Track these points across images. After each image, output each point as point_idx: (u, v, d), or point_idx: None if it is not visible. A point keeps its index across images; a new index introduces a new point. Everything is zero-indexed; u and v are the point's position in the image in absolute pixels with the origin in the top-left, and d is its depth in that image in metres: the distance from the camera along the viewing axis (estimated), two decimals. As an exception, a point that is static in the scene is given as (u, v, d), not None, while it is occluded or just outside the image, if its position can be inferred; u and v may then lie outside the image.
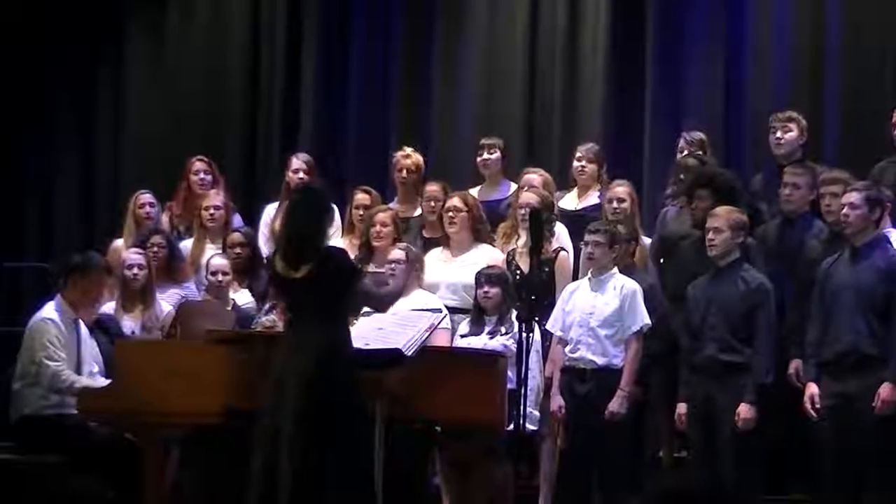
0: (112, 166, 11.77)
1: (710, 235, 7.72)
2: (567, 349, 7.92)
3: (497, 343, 7.78)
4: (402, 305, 7.86)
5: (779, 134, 8.76)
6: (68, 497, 7.63)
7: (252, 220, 9.72)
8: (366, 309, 7.84)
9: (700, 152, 8.91)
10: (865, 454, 7.27)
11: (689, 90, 10.36)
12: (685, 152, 8.95)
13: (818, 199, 8.16)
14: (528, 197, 8.45)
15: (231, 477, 7.17)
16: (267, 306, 8.23)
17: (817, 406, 7.40)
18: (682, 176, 8.73)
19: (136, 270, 8.59)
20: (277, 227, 9.00)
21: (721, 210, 7.81)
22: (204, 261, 8.98)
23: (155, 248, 8.84)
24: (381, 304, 7.19)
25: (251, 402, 6.78)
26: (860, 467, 7.27)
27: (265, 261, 8.61)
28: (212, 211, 9.36)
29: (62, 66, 11.81)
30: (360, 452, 6.71)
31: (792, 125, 8.76)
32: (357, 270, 6.96)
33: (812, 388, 7.46)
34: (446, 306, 8.05)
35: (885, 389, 7.24)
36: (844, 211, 7.45)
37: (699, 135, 9.04)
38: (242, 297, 8.79)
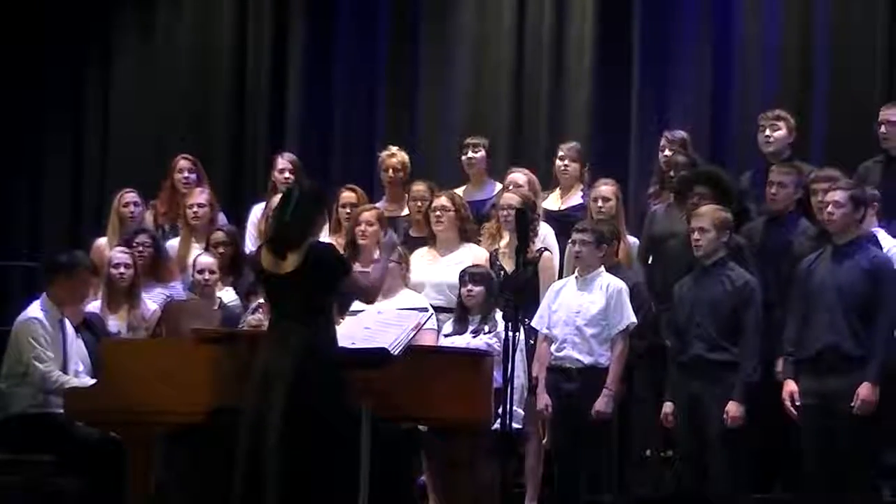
0: (100, 166, 11.78)
1: (696, 235, 7.73)
2: (553, 348, 7.94)
3: (480, 342, 7.78)
4: (388, 305, 7.86)
5: (767, 132, 8.79)
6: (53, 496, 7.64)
7: (238, 220, 9.73)
8: (353, 308, 7.85)
9: (682, 150, 8.92)
10: (846, 453, 7.28)
11: (675, 90, 10.37)
12: (667, 151, 8.96)
13: (805, 198, 8.19)
14: (510, 198, 8.48)
15: (215, 477, 7.17)
16: (253, 305, 8.23)
17: (797, 403, 7.42)
18: (671, 174, 8.75)
19: (122, 270, 8.58)
20: (265, 226, 9.06)
21: (706, 209, 7.82)
22: (191, 260, 8.98)
23: (140, 248, 8.84)
24: (368, 294, 7.13)
25: (237, 402, 6.76)
26: (841, 467, 7.28)
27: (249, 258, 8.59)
28: (195, 209, 9.36)
29: (50, 67, 11.82)
30: (346, 453, 6.69)
31: (780, 123, 8.79)
32: (345, 264, 6.93)
33: (790, 386, 7.48)
34: (432, 306, 8.06)
35: (864, 389, 7.26)
36: (829, 209, 7.46)
37: (681, 133, 9.05)
38: (228, 296, 8.79)
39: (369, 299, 7.21)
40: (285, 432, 6.48)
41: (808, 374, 7.43)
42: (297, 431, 6.49)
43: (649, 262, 8.69)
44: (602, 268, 8.01)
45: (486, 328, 7.84)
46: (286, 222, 6.71)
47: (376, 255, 8.02)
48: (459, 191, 9.09)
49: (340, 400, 6.62)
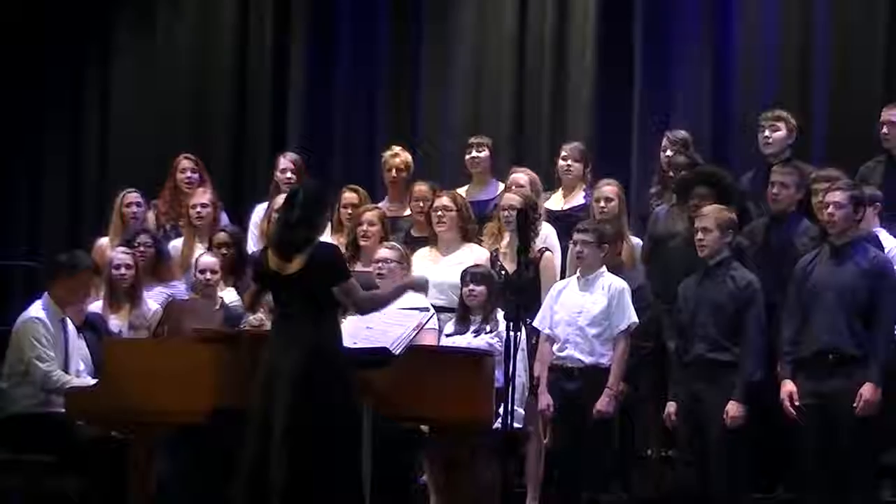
0: (100, 166, 11.79)
1: (700, 235, 7.74)
2: (555, 348, 7.94)
3: (482, 341, 7.78)
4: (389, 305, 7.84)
5: (767, 133, 8.79)
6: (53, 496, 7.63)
7: (240, 220, 9.72)
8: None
9: (684, 150, 8.91)
10: (846, 454, 7.28)
11: (676, 90, 10.36)
12: (668, 151, 8.96)
13: (807, 198, 8.19)
14: (511, 198, 8.48)
15: (217, 476, 7.17)
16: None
17: (796, 403, 7.42)
18: (671, 174, 8.75)
19: (123, 270, 8.58)
20: (267, 226, 9.05)
21: (710, 209, 7.83)
22: (194, 259, 8.97)
23: (142, 248, 8.84)
24: (364, 306, 7.10)
25: (239, 401, 6.76)
26: (841, 467, 7.28)
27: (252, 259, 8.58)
28: (199, 209, 9.35)
29: (50, 66, 11.81)
30: (349, 451, 6.69)
31: (780, 124, 8.80)
32: (346, 270, 6.94)
33: (789, 386, 7.48)
34: (433, 305, 8.04)
35: (867, 389, 7.26)
36: (830, 210, 7.47)
37: (683, 133, 9.04)
38: (230, 296, 8.78)
39: (362, 312, 7.14)
40: (291, 429, 6.47)
41: (807, 374, 7.44)
42: (302, 429, 6.49)
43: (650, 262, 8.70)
44: (604, 268, 8.01)
45: (488, 328, 7.84)
46: (292, 225, 6.72)
47: (384, 259, 8.03)
48: (462, 191, 9.09)
49: (347, 399, 6.63)
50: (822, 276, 7.46)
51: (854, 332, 7.34)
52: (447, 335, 7.96)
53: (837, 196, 7.47)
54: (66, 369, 7.83)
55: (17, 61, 11.70)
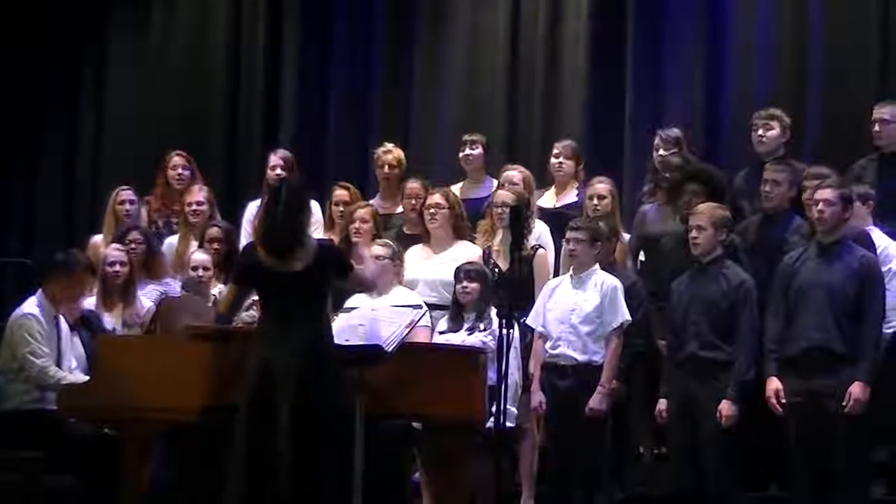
0: (94, 165, 11.80)
1: (693, 233, 7.73)
2: (548, 345, 7.94)
3: (475, 339, 7.80)
4: (382, 302, 7.86)
5: (761, 132, 8.79)
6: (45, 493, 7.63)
7: (233, 217, 9.71)
8: (347, 305, 7.86)
9: (676, 149, 8.92)
10: (837, 452, 7.29)
11: (670, 89, 10.36)
12: (660, 150, 8.96)
13: (800, 196, 8.19)
14: (503, 195, 8.50)
15: (208, 474, 7.17)
16: (247, 302, 8.20)
17: (782, 401, 7.42)
18: (666, 174, 8.75)
19: (117, 267, 8.58)
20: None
21: (704, 207, 7.82)
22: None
23: (133, 245, 8.83)
24: (370, 286, 7.15)
25: (231, 399, 6.75)
26: (832, 465, 7.29)
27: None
28: (195, 207, 9.36)
29: (45, 66, 11.82)
30: (342, 450, 6.70)
31: (774, 123, 8.80)
32: (349, 262, 6.96)
33: (775, 383, 7.47)
34: (426, 303, 8.05)
35: (856, 388, 7.27)
36: (820, 207, 7.48)
37: (675, 132, 9.05)
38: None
39: (371, 290, 7.18)
40: (294, 430, 6.47)
41: (793, 372, 7.44)
42: (305, 429, 6.49)
43: (639, 260, 8.70)
44: (597, 266, 8.01)
45: (481, 325, 7.85)
46: (283, 221, 6.72)
47: (377, 256, 8.06)
48: (456, 188, 9.10)
49: (340, 397, 6.63)
50: (809, 275, 7.47)
51: (843, 330, 7.34)
52: (440, 332, 7.98)
53: (826, 193, 7.48)
54: (59, 366, 7.84)
55: (16, 61, 11.70)
